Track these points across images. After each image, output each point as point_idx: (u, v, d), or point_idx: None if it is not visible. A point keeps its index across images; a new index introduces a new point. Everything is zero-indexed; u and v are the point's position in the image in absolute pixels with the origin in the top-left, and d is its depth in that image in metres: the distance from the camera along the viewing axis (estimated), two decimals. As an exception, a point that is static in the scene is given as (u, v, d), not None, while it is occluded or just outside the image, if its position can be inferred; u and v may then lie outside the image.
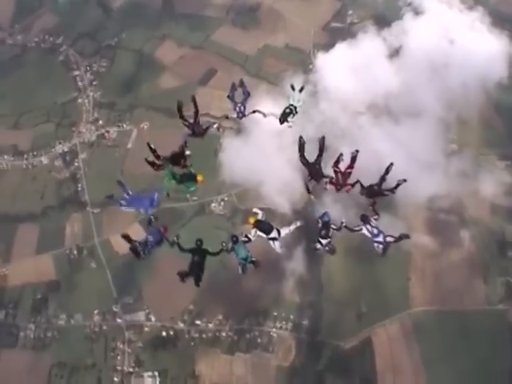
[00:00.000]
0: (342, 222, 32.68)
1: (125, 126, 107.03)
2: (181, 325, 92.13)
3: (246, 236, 33.12)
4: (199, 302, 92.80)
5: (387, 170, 33.64)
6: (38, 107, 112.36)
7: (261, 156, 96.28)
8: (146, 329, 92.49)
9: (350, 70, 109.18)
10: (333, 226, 32.56)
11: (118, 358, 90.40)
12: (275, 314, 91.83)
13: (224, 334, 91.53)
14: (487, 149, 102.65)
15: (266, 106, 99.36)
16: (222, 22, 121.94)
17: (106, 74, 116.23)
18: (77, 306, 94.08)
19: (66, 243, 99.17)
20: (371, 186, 33.72)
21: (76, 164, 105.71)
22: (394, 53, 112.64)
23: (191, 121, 33.88)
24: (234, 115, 34.93)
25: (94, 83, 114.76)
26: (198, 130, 33.99)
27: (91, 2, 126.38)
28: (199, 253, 33.58)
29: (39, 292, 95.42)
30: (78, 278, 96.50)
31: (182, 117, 33.88)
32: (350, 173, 33.37)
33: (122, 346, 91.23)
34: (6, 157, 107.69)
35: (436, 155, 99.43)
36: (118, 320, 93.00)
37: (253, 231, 32.95)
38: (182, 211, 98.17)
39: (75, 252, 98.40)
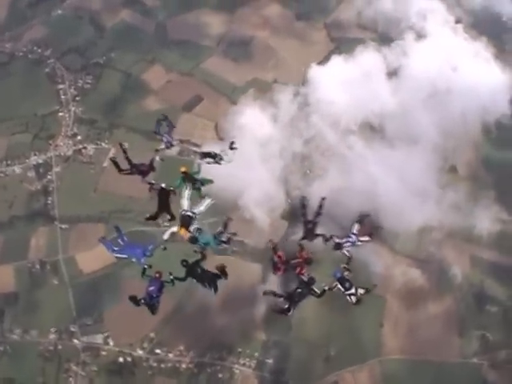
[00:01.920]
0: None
1: (103, 144, 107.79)
2: (140, 352, 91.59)
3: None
4: (161, 330, 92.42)
5: (320, 206, 34.75)
6: (18, 116, 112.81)
7: (242, 165, 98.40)
8: (103, 353, 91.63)
9: (345, 84, 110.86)
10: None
11: (71, 380, 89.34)
12: (239, 349, 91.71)
13: (184, 366, 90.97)
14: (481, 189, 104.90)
15: (254, 113, 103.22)
16: (213, 51, 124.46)
17: (91, 90, 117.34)
18: (33, 321, 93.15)
19: (30, 256, 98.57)
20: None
21: (49, 177, 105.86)
22: (393, 72, 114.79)
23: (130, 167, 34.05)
24: (163, 146, 35.70)
25: (77, 98, 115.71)
26: (142, 169, 34.06)
27: (84, 19, 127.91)
28: (194, 269, 33.37)
29: None
30: (37, 293, 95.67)
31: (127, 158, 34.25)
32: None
33: (75, 367, 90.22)
34: None
35: (430, 184, 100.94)
36: (75, 341, 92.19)
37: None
38: (153, 235, 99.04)
39: (38, 266, 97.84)
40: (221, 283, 31.73)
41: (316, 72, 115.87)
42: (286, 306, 32.47)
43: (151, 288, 32.71)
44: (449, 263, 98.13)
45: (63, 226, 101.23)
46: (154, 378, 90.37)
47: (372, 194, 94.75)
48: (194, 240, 32.81)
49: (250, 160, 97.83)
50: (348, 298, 33.79)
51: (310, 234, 33.84)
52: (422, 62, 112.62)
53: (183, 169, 33.35)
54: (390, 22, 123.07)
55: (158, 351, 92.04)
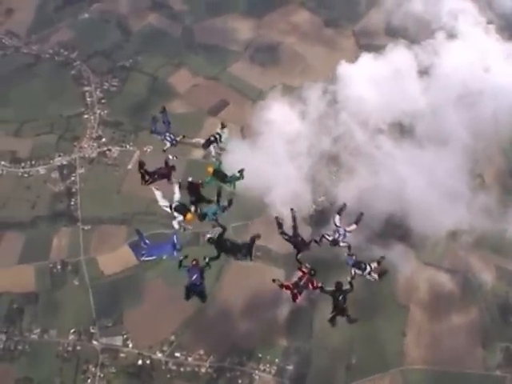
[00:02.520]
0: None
1: (128, 146, 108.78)
2: (159, 355, 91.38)
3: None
4: (181, 333, 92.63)
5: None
6: (43, 117, 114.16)
7: (269, 163, 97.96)
8: (122, 355, 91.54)
9: (375, 82, 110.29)
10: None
11: (88, 381, 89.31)
12: (260, 355, 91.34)
13: (203, 370, 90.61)
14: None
15: (282, 109, 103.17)
16: (240, 56, 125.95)
17: (117, 93, 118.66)
18: (53, 321, 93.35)
19: (51, 256, 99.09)
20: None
21: (73, 178, 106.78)
22: (424, 71, 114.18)
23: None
24: (168, 145, 35.60)
25: (103, 101, 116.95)
26: (162, 172, 34.42)
27: (111, 23, 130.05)
28: (222, 244, 33.87)
29: (16, 302, 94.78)
30: (58, 293, 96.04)
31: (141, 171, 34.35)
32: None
33: (93, 369, 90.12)
34: (2, 162, 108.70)
35: (460, 186, 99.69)
36: (94, 342, 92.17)
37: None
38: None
39: (59, 267, 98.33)
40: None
41: (345, 69, 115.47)
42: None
43: (194, 277, 33.18)
44: (475, 273, 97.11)
45: (85, 227, 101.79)
46: (173, 382, 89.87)
47: (400, 195, 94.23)
48: (203, 216, 33.59)
49: (277, 157, 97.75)
50: (369, 277, 33.76)
51: (301, 244, 33.43)
52: (454, 62, 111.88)
53: (210, 169, 34.33)
54: (421, 24, 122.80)
55: (177, 355, 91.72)
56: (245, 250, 32.74)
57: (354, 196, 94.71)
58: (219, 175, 34.76)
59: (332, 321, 34.25)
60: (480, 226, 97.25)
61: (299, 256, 33.06)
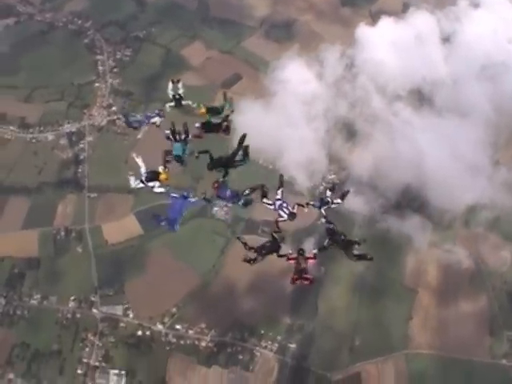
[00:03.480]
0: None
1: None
2: (159, 326, 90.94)
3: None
4: (183, 305, 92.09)
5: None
6: (54, 84, 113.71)
7: (282, 125, 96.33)
8: (122, 324, 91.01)
9: (395, 46, 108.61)
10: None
11: (86, 349, 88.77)
12: (262, 331, 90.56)
13: (203, 344, 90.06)
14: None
15: (298, 69, 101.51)
16: (255, 31, 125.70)
17: (129, 63, 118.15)
18: (53, 288, 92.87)
19: (55, 223, 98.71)
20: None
21: (81, 146, 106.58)
22: (446, 38, 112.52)
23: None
24: (157, 119, 35.91)
25: (115, 70, 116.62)
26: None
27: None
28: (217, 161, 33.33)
29: (17, 267, 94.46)
30: (60, 260, 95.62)
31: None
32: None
33: (92, 337, 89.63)
34: (11, 127, 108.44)
35: (482, 160, 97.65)
36: (94, 310, 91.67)
37: None
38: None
39: (63, 233, 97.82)
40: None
41: (364, 32, 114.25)
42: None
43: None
44: (486, 259, 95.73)
45: (92, 195, 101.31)
46: (172, 354, 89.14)
47: (418, 165, 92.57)
48: (178, 159, 33.12)
49: (292, 119, 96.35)
50: (335, 205, 33.50)
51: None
52: (476, 31, 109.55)
53: (202, 110, 34.40)
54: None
55: (178, 327, 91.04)
56: (240, 155, 32.97)
57: (370, 164, 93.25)
58: (213, 111, 34.88)
59: (361, 257, 31.95)
60: (501, 201, 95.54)
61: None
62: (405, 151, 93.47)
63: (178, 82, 36.87)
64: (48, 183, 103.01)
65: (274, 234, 32.00)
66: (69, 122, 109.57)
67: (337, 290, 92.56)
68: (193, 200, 32.45)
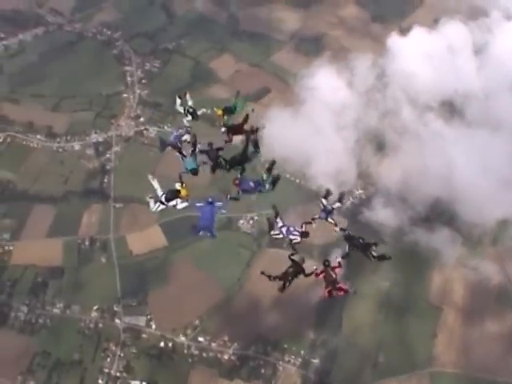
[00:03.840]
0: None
1: (166, 127, 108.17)
2: (182, 338, 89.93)
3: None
4: (207, 318, 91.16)
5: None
6: (82, 94, 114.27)
7: (311, 133, 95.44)
8: (144, 335, 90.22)
9: (427, 57, 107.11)
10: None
11: (108, 359, 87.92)
12: (285, 346, 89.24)
13: (226, 357, 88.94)
14: None
15: (329, 76, 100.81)
16: (284, 45, 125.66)
17: (158, 75, 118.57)
18: (76, 297, 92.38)
19: (80, 232, 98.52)
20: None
21: (108, 156, 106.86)
22: (479, 50, 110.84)
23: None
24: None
25: (143, 81, 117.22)
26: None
27: (156, 5, 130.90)
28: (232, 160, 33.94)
29: (41, 276, 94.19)
30: (84, 269, 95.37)
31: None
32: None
33: (114, 348, 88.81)
34: (38, 136, 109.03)
35: None
36: (117, 320, 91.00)
37: None
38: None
39: (87, 243, 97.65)
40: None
41: (395, 42, 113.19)
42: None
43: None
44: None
45: (117, 205, 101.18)
46: (194, 366, 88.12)
47: (448, 178, 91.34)
48: (194, 172, 32.81)
49: (321, 127, 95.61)
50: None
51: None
52: (509, 43, 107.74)
53: (219, 111, 34.46)
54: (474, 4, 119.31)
55: (200, 339, 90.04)
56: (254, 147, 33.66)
57: (399, 176, 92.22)
58: (226, 110, 35.07)
59: (380, 258, 32.65)
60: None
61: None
62: (435, 163, 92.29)
63: (185, 94, 36.41)
64: (74, 192, 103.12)
65: (292, 258, 32.18)
66: (96, 132, 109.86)
67: (362, 305, 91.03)
68: (219, 203, 32.80)
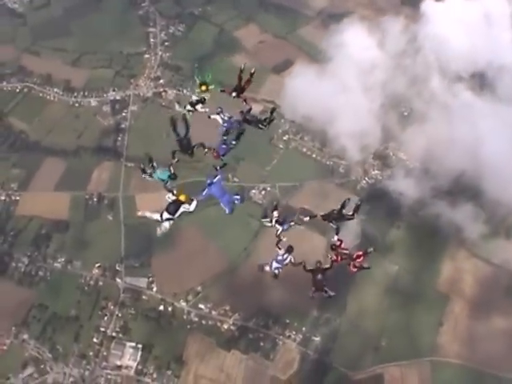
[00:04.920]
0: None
1: (185, 91, 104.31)
2: (182, 304, 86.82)
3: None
4: (210, 285, 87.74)
5: (343, 205, 32.28)
6: (103, 52, 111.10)
7: (337, 92, 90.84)
8: (144, 297, 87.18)
9: (462, 24, 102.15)
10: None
11: (105, 318, 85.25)
12: (287, 321, 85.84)
13: (225, 327, 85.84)
14: None
15: (359, 34, 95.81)
16: (311, 20, 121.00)
17: (181, 39, 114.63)
18: (79, 253, 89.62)
19: (89, 188, 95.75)
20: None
21: (124, 114, 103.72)
22: None
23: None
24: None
25: (166, 44, 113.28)
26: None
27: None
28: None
29: (45, 228, 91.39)
30: (89, 225, 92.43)
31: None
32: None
33: (112, 307, 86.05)
34: (55, 89, 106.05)
35: None
36: (118, 280, 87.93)
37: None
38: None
39: (95, 199, 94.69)
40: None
41: (430, 6, 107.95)
42: None
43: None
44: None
45: (129, 164, 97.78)
46: (192, 333, 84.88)
47: (475, 152, 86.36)
48: (173, 178, 32.41)
49: (347, 86, 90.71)
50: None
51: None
52: None
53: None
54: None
55: (201, 306, 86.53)
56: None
57: (423, 146, 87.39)
58: (205, 84, 34.35)
59: (356, 209, 32.23)
60: None
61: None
62: (462, 136, 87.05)
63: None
64: (86, 148, 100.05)
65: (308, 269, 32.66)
66: (114, 90, 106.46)
67: (368, 288, 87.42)
68: (216, 179, 31.35)
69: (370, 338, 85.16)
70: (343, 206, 31.92)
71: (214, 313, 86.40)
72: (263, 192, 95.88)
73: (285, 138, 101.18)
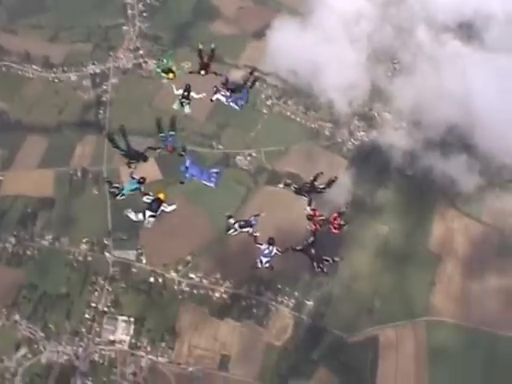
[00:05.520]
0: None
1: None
2: (173, 274, 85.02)
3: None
4: (199, 254, 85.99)
5: (315, 178, 33.24)
6: (81, 26, 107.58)
7: (321, 43, 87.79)
8: (134, 270, 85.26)
9: None
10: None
11: (96, 294, 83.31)
12: (279, 286, 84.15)
13: (217, 295, 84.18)
14: None
15: None
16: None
17: (159, 8, 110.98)
18: (66, 229, 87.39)
19: (72, 163, 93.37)
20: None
21: (104, 87, 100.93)
22: None
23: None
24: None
25: (144, 14, 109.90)
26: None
27: None
28: None
29: (30, 206, 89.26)
30: (75, 201, 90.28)
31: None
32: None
33: (102, 282, 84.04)
34: (34, 66, 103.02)
35: None
36: (106, 254, 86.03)
37: None
38: (204, 157, 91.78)
39: (79, 174, 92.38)
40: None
41: None
42: None
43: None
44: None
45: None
46: (184, 303, 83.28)
47: (466, 102, 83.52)
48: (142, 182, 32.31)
49: (332, 38, 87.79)
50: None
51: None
52: None
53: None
54: None
55: (191, 275, 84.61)
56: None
57: (412, 97, 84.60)
58: (169, 70, 34.09)
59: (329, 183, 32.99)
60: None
61: None
62: (451, 86, 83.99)
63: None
64: (68, 123, 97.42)
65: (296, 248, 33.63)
66: (93, 64, 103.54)
67: (359, 250, 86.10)
68: (187, 163, 32.52)
69: (363, 300, 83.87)
70: (315, 179, 32.59)
71: (205, 282, 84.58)
72: (249, 158, 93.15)
73: (268, 103, 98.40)
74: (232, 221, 32.10)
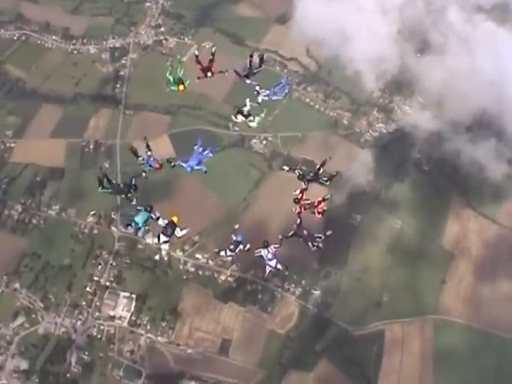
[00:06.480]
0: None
1: (186, 39, 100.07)
2: (179, 253, 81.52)
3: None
4: (207, 234, 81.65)
5: (322, 165, 32.54)
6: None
7: (350, 12, 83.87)
8: (140, 246, 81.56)
9: None
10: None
11: (99, 267, 79.89)
12: (286, 273, 79.50)
13: (223, 278, 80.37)
14: None
15: None
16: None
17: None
18: (74, 201, 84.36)
19: (86, 135, 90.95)
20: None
21: (123, 62, 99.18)
22: None
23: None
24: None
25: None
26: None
27: None
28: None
29: (40, 175, 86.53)
30: (85, 173, 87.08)
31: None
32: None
33: (107, 256, 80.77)
34: (54, 37, 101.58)
35: None
36: (113, 228, 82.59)
37: None
38: (220, 137, 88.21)
39: (92, 146, 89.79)
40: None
41: None
42: None
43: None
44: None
45: (127, 112, 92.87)
46: (188, 284, 79.45)
47: (498, 86, 79.26)
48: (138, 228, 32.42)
49: (364, 5, 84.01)
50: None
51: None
52: None
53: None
54: None
55: (198, 256, 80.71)
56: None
57: (441, 78, 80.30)
58: (179, 80, 32.66)
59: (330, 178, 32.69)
60: None
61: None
62: (484, 68, 79.72)
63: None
64: (84, 95, 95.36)
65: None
66: (114, 38, 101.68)
67: (371, 243, 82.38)
68: (185, 164, 33.64)
69: (371, 294, 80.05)
70: (322, 165, 32.16)
71: (210, 263, 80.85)
72: (264, 142, 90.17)
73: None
74: (222, 253, 32.78)
